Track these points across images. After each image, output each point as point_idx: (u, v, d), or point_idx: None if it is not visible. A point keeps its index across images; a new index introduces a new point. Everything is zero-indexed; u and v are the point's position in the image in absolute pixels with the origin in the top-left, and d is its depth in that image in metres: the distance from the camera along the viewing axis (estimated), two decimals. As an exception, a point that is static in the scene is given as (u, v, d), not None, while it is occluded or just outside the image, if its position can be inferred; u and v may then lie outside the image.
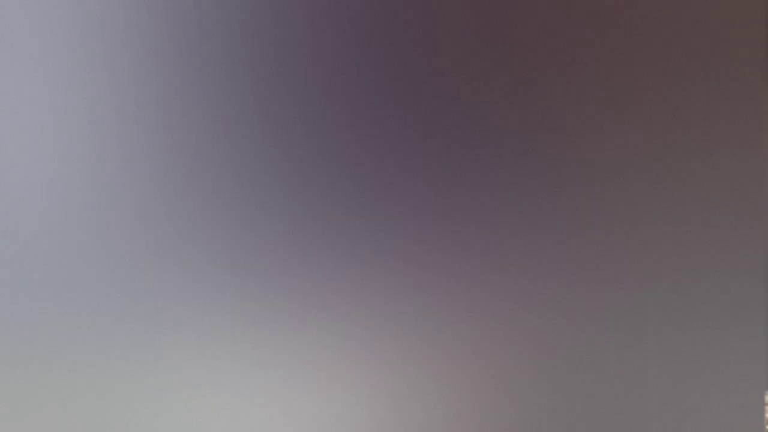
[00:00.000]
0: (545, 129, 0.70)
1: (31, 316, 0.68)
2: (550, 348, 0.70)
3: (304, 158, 0.69)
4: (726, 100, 0.70)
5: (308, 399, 0.69)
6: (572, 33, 0.70)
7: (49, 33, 0.68)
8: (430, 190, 0.69)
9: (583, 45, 0.70)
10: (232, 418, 0.69)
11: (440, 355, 0.70)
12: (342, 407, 0.69)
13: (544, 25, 0.70)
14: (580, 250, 0.70)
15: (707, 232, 0.70)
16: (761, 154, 0.70)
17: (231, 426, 0.69)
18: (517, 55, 0.69)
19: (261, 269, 0.69)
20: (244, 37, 0.69)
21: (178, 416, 0.69)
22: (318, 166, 0.69)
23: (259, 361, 0.69)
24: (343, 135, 0.69)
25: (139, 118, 0.68)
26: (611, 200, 0.70)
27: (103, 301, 0.68)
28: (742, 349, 0.70)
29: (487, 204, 0.69)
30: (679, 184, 0.70)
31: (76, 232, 0.68)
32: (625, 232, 0.70)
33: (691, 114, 0.70)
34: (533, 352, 0.70)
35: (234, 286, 0.69)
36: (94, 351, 0.68)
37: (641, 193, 0.70)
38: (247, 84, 0.69)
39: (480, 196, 0.69)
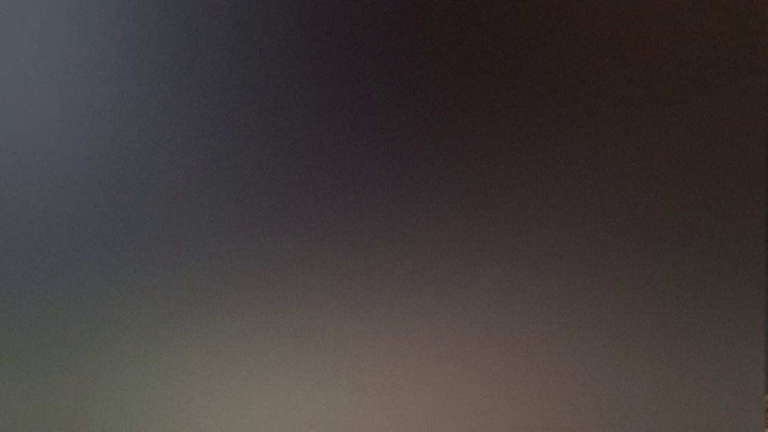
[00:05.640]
0: (544, 128, 0.70)
1: (30, 316, 0.68)
2: (549, 349, 0.70)
3: (304, 157, 0.69)
4: (726, 99, 0.70)
5: (308, 399, 0.69)
6: (571, 31, 0.70)
7: (49, 32, 0.68)
8: (430, 188, 0.69)
9: (582, 42, 0.70)
10: (233, 418, 0.69)
11: (441, 355, 0.70)
12: (342, 407, 0.69)
13: (543, 23, 0.70)
14: (578, 251, 0.70)
15: (707, 233, 0.70)
16: (761, 154, 0.70)
17: (231, 426, 0.69)
18: (518, 53, 0.69)
19: (261, 268, 0.69)
20: (244, 37, 0.69)
21: (178, 416, 0.69)
22: (318, 165, 0.69)
23: (258, 360, 0.69)
24: (343, 132, 0.69)
25: (138, 118, 0.68)
26: (610, 200, 0.70)
27: (102, 301, 0.68)
28: (741, 350, 0.70)
29: (487, 203, 0.69)
30: (678, 184, 0.70)
31: (74, 231, 0.68)
32: (624, 233, 0.70)
33: (691, 113, 0.70)
34: (533, 352, 0.70)
35: (234, 285, 0.69)
36: (93, 351, 0.68)
37: (640, 193, 0.70)
38: (247, 82, 0.69)
39: (481, 194, 0.69)
